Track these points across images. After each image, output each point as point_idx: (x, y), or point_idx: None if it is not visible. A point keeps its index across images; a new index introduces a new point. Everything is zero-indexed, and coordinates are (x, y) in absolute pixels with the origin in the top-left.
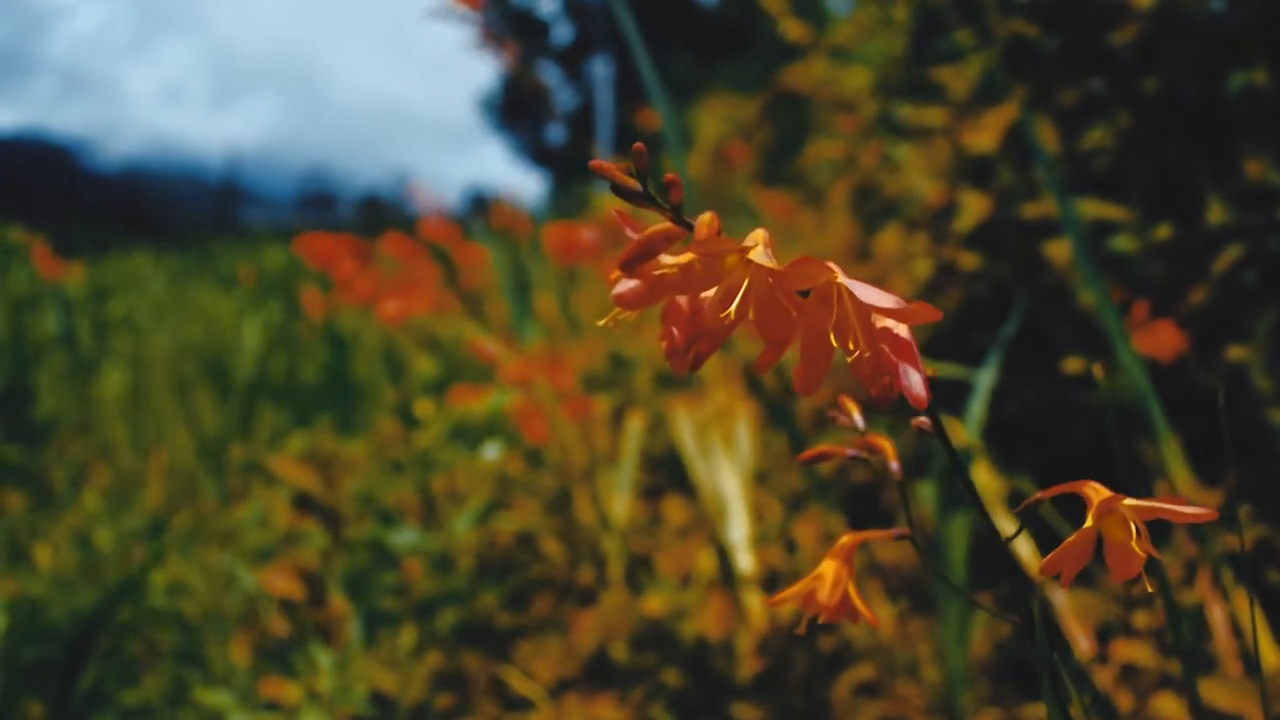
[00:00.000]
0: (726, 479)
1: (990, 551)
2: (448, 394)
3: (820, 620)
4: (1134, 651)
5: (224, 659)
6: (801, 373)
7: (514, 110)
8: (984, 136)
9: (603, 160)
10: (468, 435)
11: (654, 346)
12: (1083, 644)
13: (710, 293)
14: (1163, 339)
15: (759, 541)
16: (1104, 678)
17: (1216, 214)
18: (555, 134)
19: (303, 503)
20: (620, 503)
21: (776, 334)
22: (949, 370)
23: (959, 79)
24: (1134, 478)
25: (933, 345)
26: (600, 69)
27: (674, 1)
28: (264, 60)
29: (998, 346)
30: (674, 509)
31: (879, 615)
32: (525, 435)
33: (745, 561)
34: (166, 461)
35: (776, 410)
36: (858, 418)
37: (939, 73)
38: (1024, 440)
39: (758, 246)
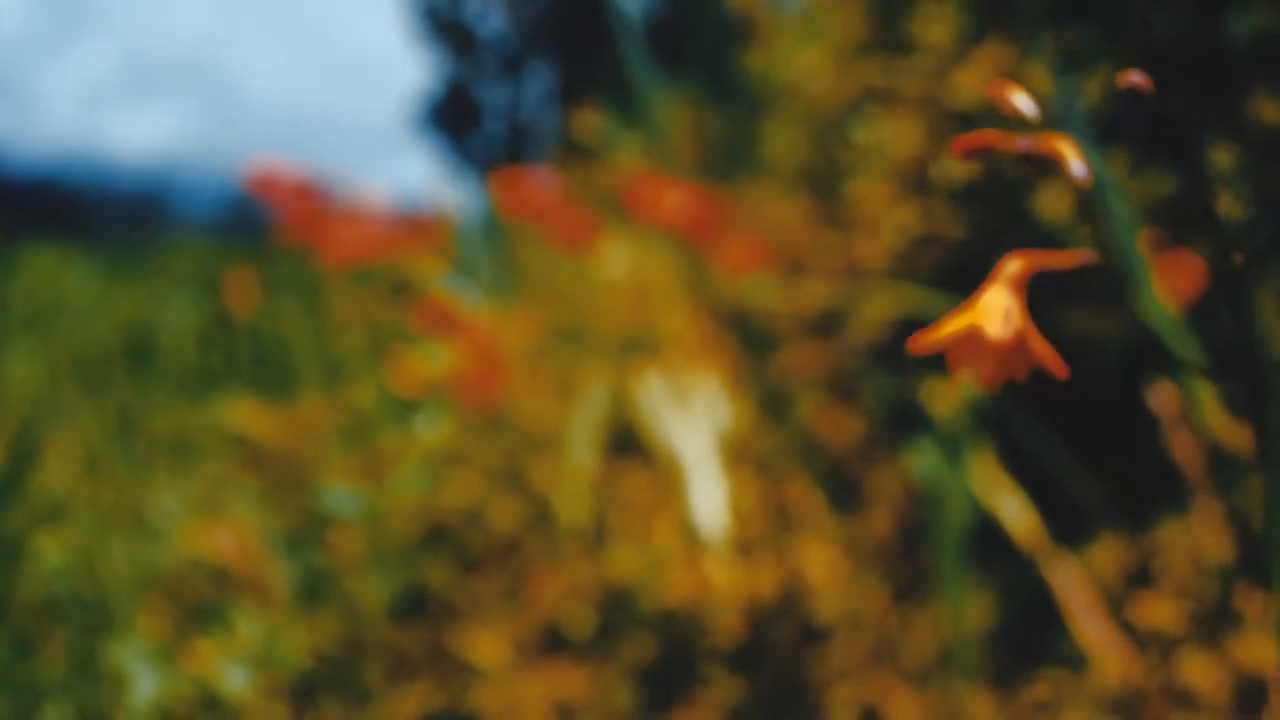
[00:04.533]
0: (694, 440)
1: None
2: (386, 355)
3: (984, 375)
4: (1158, 613)
5: (137, 627)
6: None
7: (452, 109)
8: (971, 79)
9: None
10: (407, 405)
11: (617, 307)
12: (1088, 615)
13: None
14: (1182, 276)
15: (730, 508)
16: (1120, 649)
17: (1223, 160)
18: (487, 139)
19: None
20: (579, 467)
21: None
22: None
23: (938, 26)
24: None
25: (917, 281)
26: (537, 74)
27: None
28: (178, 64)
29: None
30: (640, 475)
31: (868, 592)
32: (474, 400)
33: (716, 529)
34: (73, 439)
35: (757, 362)
36: (1025, 103)
37: (916, 21)
38: (1027, 398)
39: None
